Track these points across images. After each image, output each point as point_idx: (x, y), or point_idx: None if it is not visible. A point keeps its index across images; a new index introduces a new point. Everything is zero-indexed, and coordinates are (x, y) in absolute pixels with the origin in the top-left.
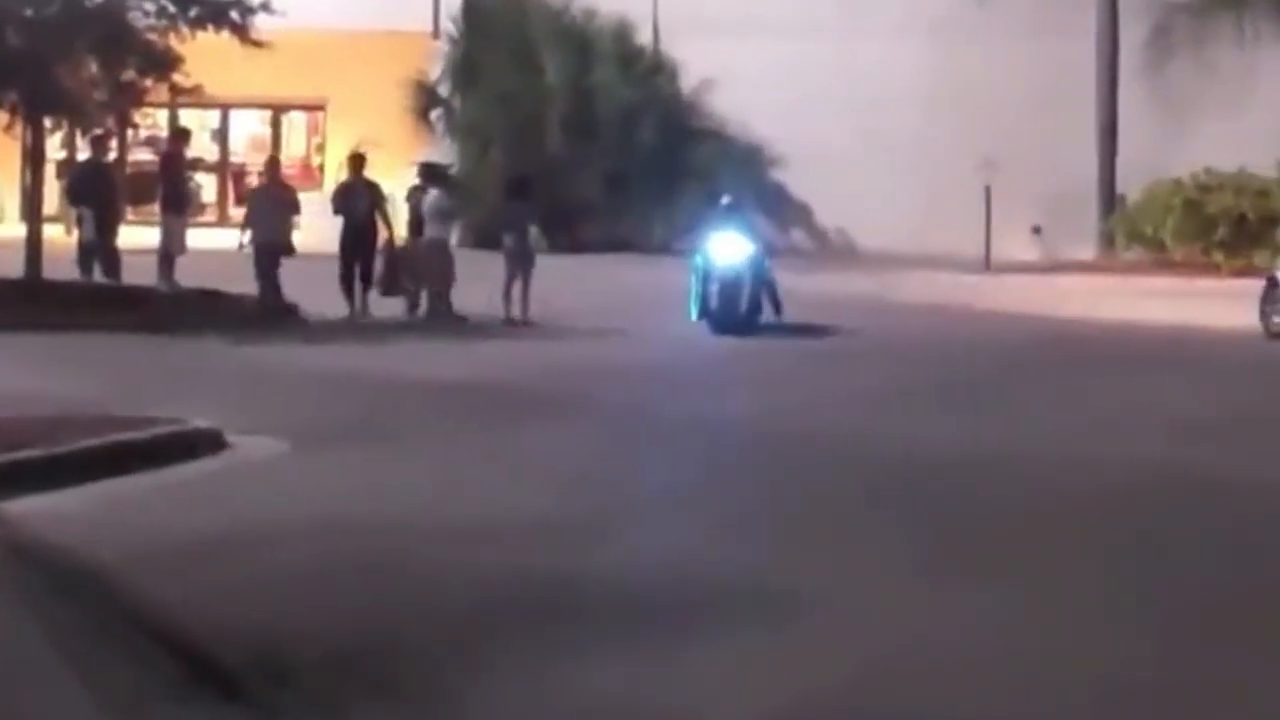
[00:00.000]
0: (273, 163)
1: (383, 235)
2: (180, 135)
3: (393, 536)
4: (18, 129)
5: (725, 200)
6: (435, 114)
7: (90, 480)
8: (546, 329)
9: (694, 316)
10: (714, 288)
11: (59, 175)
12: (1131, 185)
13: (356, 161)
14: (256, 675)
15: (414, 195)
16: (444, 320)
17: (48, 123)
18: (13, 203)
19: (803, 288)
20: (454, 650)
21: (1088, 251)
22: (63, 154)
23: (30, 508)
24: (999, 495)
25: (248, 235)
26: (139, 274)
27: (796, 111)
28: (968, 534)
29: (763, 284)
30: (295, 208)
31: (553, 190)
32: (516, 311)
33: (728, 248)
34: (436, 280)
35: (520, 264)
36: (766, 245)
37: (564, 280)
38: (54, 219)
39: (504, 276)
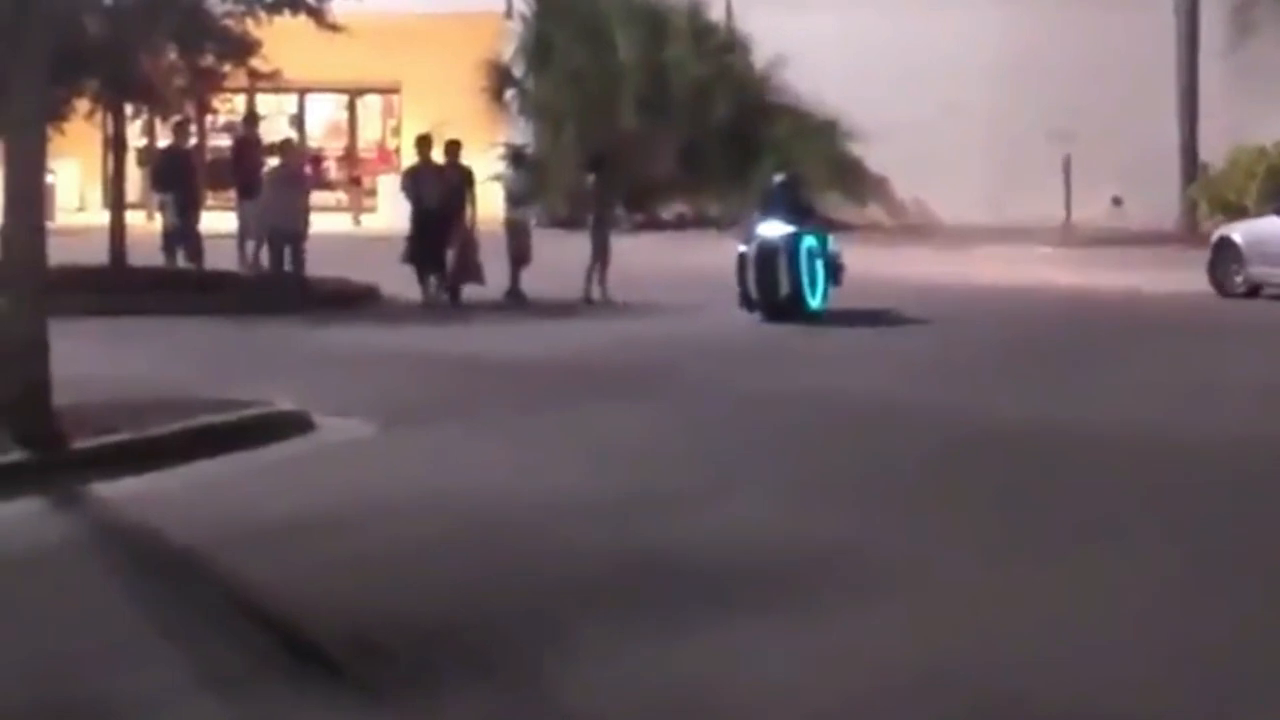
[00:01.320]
0: (286, 147)
1: (467, 218)
2: (251, 121)
3: (481, 515)
4: (99, 117)
5: (778, 178)
6: (509, 94)
7: (181, 462)
8: (625, 307)
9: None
10: (750, 275)
11: (140, 162)
12: (1213, 155)
13: (424, 144)
14: (351, 652)
15: (499, 176)
16: (519, 300)
17: (128, 110)
18: (95, 190)
19: (874, 268)
20: (545, 627)
21: (1169, 221)
22: (143, 141)
23: (122, 490)
24: (1083, 467)
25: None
26: (222, 258)
27: (871, 84)
28: (1051, 505)
29: (812, 265)
30: (308, 192)
31: (626, 168)
32: (596, 292)
33: (763, 231)
34: (515, 259)
35: (597, 241)
36: (819, 224)
37: (640, 258)
38: (136, 206)
39: (589, 255)
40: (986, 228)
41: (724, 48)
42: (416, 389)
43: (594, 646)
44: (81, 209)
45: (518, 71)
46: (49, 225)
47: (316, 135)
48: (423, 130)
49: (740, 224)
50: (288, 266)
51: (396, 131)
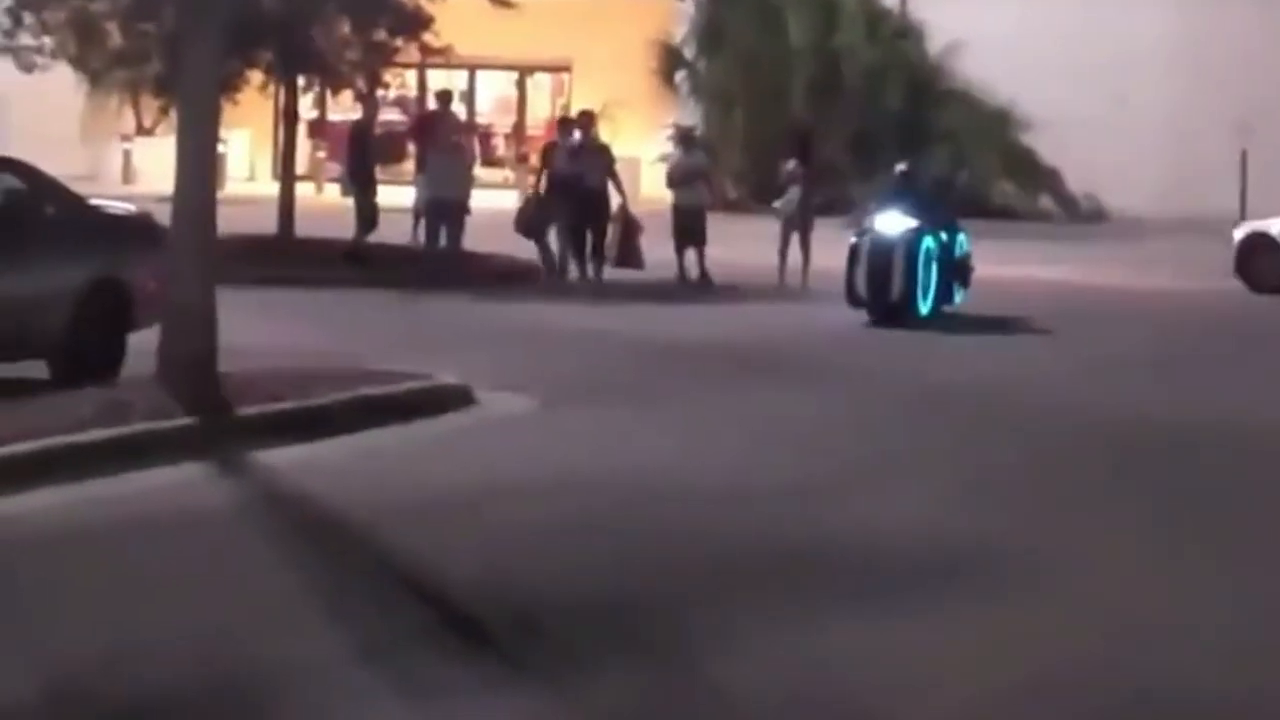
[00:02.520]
0: (441, 117)
1: (615, 202)
2: (442, 97)
3: (638, 494)
4: (271, 88)
5: (900, 168)
6: (679, 76)
7: (343, 432)
8: (801, 292)
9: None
10: (860, 270)
11: (310, 134)
12: None
13: (586, 121)
14: (506, 627)
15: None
16: (705, 284)
17: (300, 82)
18: (265, 161)
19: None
20: (697, 607)
21: None
22: (314, 113)
23: (285, 458)
24: (1238, 464)
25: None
26: (393, 232)
27: (1045, 74)
28: (1204, 506)
29: (928, 267)
30: (469, 164)
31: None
32: (793, 279)
33: (880, 225)
34: (689, 242)
35: (796, 226)
36: (944, 220)
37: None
38: (305, 177)
39: (779, 240)
40: (1159, 220)
41: (897, 34)
42: (578, 367)
43: (743, 630)
44: (251, 179)
45: (688, 53)
46: (219, 194)
47: (486, 112)
48: (591, 109)
49: (858, 212)
50: (444, 241)
51: (566, 110)
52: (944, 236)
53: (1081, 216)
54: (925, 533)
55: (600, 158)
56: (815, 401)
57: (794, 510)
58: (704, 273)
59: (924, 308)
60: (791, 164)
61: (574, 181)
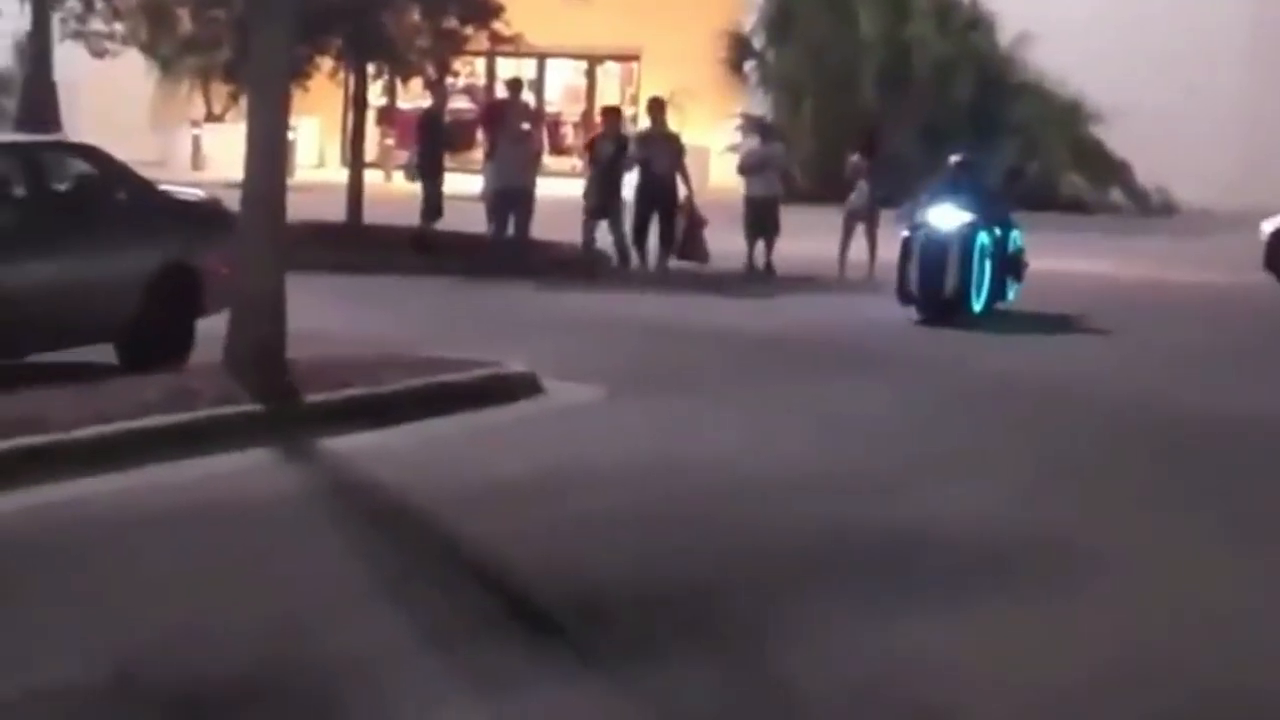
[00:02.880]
0: (510, 106)
1: (682, 193)
2: (512, 86)
3: (705, 485)
4: (341, 75)
5: (955, 159)
6: (749, 65)
7: (410, 420)
8: (866, 285)
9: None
10: (912, 266)
11: (379, 121)
12: None
13: (656, 109)
14: (574, 616)
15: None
16: (766, 274)
17: (370, 70)
18: (334, 148)
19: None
20: (766, 599)
21: None
22: (383, 101)
23: (353, 445)
24: None
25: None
26: (460, 220)
27: (1116, 66)
28: (1272, 496)
29: (982, 264)
30: (535, 151)
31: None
32: (854, 272)
33: (934, 218)
34: (760, 233)
35: (862, 219)
36: (1004, 214)
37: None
38: (374, 164)
39: (842, 230)
40: (1231, 213)
41: (968, 25)
42: (643, 356)
43: (814, 621)
44: (321, 166)
45: (758, 43)
46: (288, 181)
47: (555, 100)
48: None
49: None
50: (510, 230)
51: (634, 99)
52: (997, 231)
53: (1152, 209)
54: (991, 526)
55: (668, 145)
56: (879, 394)
57: (860, 503)
58: (769, 264)
59: (977, 305)
60: (855, 158)
61: (643, 168)
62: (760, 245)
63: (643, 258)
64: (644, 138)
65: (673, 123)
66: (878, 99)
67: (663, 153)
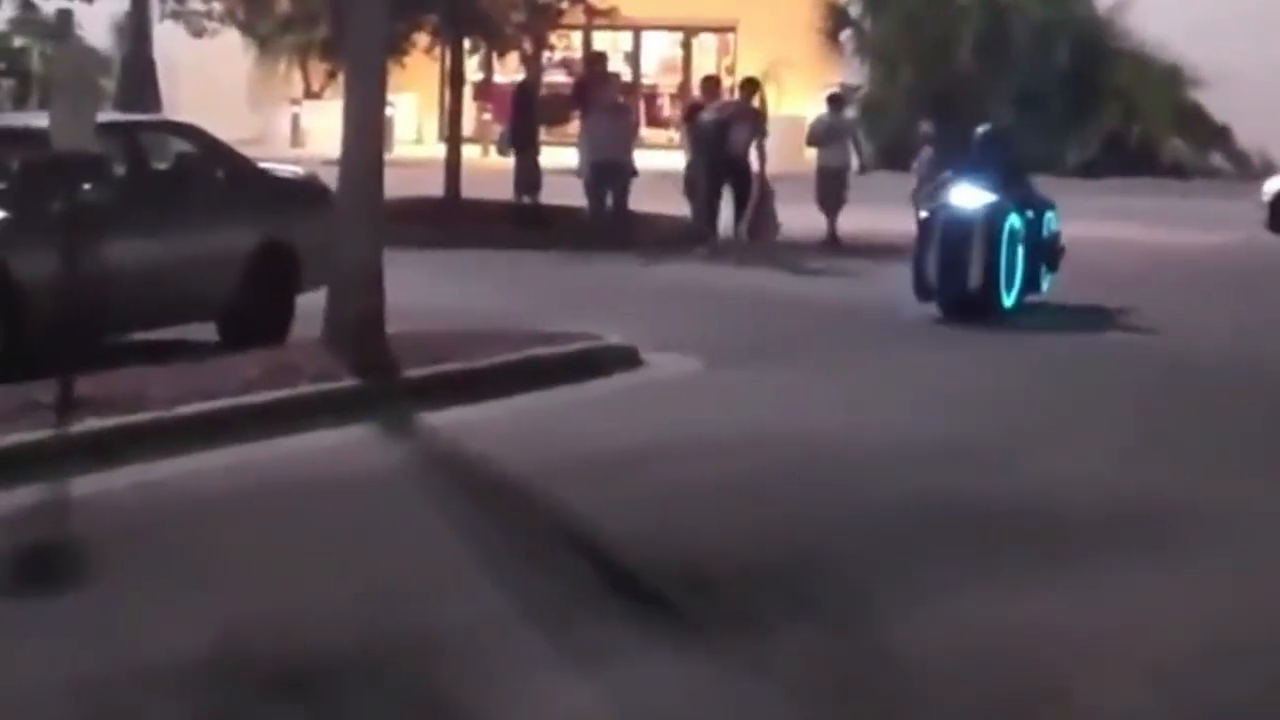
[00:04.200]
0: (599, 77)
1: (755, 168)
2: (596, 59)
3: (806, 454)
4: (437, 51)
5: (982, 130)
6: (845, 34)
7: (510, 393)
8: None
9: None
10: (930, 253)
11: (476, 96)
12: None
13: (747, 87)
14: (676, 587)
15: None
16: (832, 245)
17: (466, 45)
18: (432, 124)
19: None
20: (869, 569)
21: None
22: (480, 76)
23: (452, 419)
24: None
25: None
26: (559, 194)
27: (1216, 30)
28: None
29: (1013, 251)
30: (632, 124)
31: (961, 111)
32: None
33: (956, 198)
34: (828, 205)
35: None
36: (1031, 195)
37: None
38: (472, 140)
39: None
40: None
41: None
42: (742, 327)
43: (918, 591)
44: (419, 142)
45: (854, 12)
46: (387, 157)
47: (651, 73)
48: (758, 69)
49: (926, 180)
50: (609, 204)
51: (731, 70)
52: (1029, 213)
53: (1253, 173)
54: (1098, 492)
55: (749, 122)
56: (976, 361)
57: (963, 471)
58: (833, 235)
59: (1008, 299)
60: (925, 125)
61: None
62: (836, 215)
63: (713, 229)
64: (725, 109)
65: (770, 95)
66: (974, 66)
67: (742, 128)
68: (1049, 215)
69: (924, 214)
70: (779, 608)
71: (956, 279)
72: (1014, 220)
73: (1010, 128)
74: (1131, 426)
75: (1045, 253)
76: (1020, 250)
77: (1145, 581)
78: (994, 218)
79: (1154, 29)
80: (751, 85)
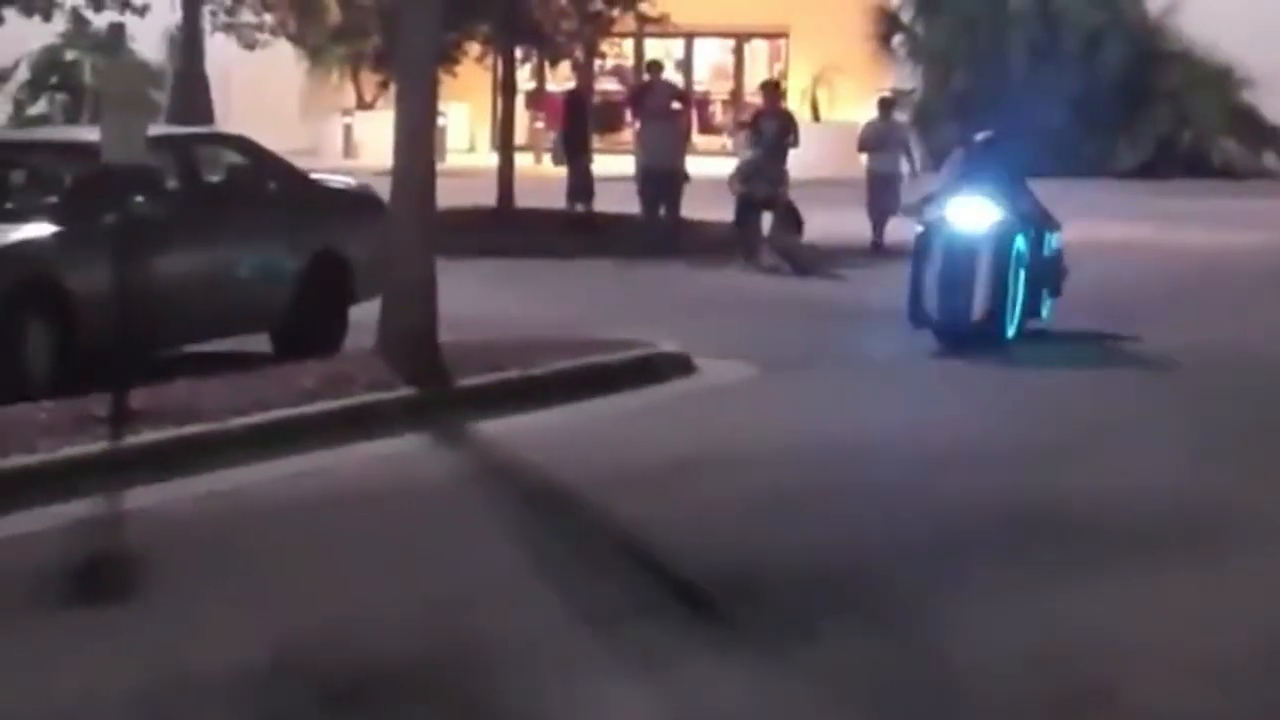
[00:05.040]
0: (654, 87)
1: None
2: (653, 68)
3: (863, 460)
4: (489, 60)
5: (981, 137)
6: (897, 39)
7: (564, 402)
8: None
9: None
10: (930, 275)
11: (528, 105)
12: None
13: (768, 90)
14: (731, 595)
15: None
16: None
17: (518, 54)
18: (484, 133)
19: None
20: (925, 575)
21: None
22: (532, 84)
23: (507, 428)
24: None
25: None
26: (611, 201)
27: (1267, 31)
28: None
29: (1018, 276)
30: (683, 131)
31: (1014, 114)
32: None
33: (958, 215)
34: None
35: None
36: (1032, 209)
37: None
38: (524, 148)
39: None
40: None
41: None
42: (796, 334)
43: (971, 595)
44: (471, 151)
45: (906, 16)
46: (439, 167)
47: (703, 79)
48: (809, 75)
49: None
50: (661, 211)
51: (783, 76)
52: (1032, 231)
53: None
54: (1156, 496)
55: (778, 124)
56: (1035, 365)
57: (1020, 474)
58: (878, 241)
59: (1010, 328)
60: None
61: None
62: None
63: (759, 237)
64: (755, 115)
65: (822, 99)
66: (1027, 69)
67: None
68: (1050, 234)
69: (918, 228)
70: (832, 613)
71: (959, 308)
72: (1020, 242)
73: (1007, 133)
74: (1190, 430)
75: (1047, 274)
76: (1023, 275)
77: (1193, 582)
78: (1002, 239)
79: (1205, 31)
80: (772, 88)
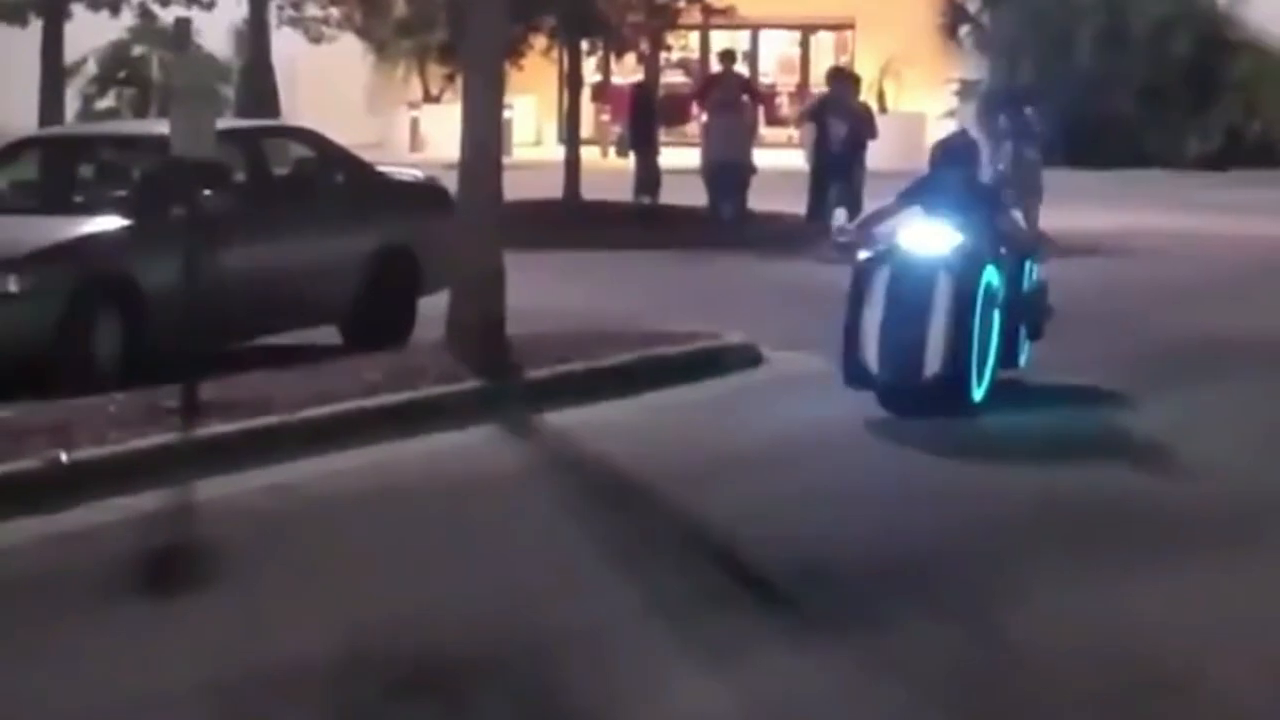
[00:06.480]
0: (723, 78)
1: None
2: (725, 58)
3: (929, 452)
4: (555, 53)
5: (941, 141)
6: (964, 30)
7: (632, 393)
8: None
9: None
10: (870, 321)
11: (594, 98)
12: None
13: (834, 76)
14: (801, 584)
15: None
16: None
17: (584, 46)
18: (551, 126)
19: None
20: (995, 565)
21: None
22: (598, 77)
23: (575, 419)
24: None
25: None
26: (679, 194)
27: None
28: None
29: (988, 319)
30: (749, 123)
31: (1082, 104)
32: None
33: (909, 240)
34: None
35: (1013, 186)
36: (1013, 230)
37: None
38: (590, 141)
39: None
40: None
41: None
42: None
43: (1036, 587)
44: (538, 144)
45: (972, 7)
46: (506, 160)
47: (769, 71)
48: (876, 66)
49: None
50: (729, 201)
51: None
52: (1006, 258)
53: None
54: (1219, 490)
55: (852, 113)
56: (1092, 356)
57: (1094, 467)
58: None
59: (979, 390)
60: (1002, 119)
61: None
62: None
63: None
64: (819, 103)
65: (890, 90)
66: (1095, 59)
67: (842, 121)
68: (1029, 265)
69: (860, 258)
70: (898, 603)
71: (908, 361)
72: (991, 275)
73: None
74: (1252, 424)
75: (1025, 312)
76: (996, 317)
77: (1256, 578)
78: (967, 272)
79: (1274, 21)
80: (838, 74)
